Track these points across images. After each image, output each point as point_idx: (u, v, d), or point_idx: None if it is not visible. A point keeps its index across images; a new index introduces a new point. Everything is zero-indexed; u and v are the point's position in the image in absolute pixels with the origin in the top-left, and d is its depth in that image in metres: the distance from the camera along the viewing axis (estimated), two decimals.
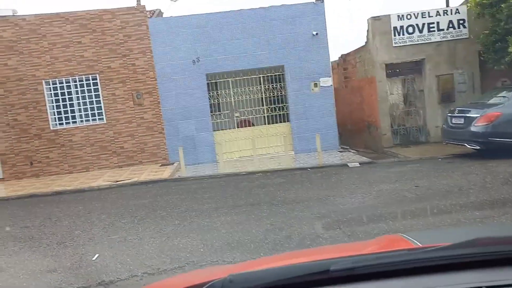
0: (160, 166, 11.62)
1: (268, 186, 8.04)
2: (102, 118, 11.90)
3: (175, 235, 5.45)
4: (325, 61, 12.38)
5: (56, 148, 11.80)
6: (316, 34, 12.17)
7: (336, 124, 12.56)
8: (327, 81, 12.38)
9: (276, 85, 12.53)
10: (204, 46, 12.02)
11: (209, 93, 12.30)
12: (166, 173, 10.41)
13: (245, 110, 12.58)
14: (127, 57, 11.84)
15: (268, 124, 12.65)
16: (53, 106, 11.78)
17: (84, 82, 11.80)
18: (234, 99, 12.48)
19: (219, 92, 12.45)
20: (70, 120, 11.84)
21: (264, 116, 12.65)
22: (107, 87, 11.83)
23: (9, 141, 11.66)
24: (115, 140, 11.94)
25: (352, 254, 1.39)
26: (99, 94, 11.85)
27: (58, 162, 11.83)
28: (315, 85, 12.34)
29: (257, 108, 12.70)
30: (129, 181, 9.77)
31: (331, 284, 1.12)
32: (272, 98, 12.63)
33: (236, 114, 12.59)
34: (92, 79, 11.81)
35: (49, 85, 11.74)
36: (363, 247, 1.82)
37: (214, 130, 12.36)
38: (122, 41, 11.81)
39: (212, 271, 1.68)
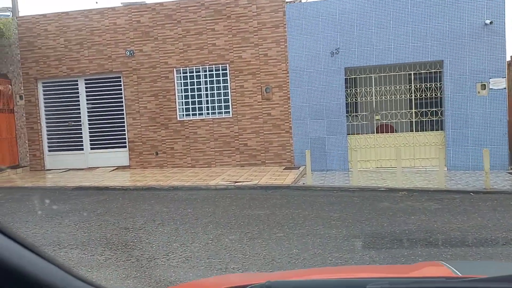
0: (284, 169, 10.36)
1: (418, 213, 6.14)
2: (229, 112, 11.09)
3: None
4: (499, 57, 9.79)
5: (181, 140, 11.34)
6: (490, 23, 9.66)
7: (507, 138, 9.87)
8: (499, 83, 9.78)
9: (430, 84, 10.33)
10: (345, 36, 10.40)
11: (347, 90, 10.65)
12: (289, 178, 9.09)
13: (387, 112, 10.63)
14: (259, 47, 10.82)
15: (415, 131, 10.51)
16: (181, 96, 11.33)
17: (214, 72, 11.10)
18: (375, 98, 10.62)
19: (358, 89, 10.71)
20: (197, 112, 11.26)
21: (411, 121, 10.55)
22: (236, 78, 10.97)
23: (137, 129, 11.54)
24: (239, 137, 11.03)
25: (389, 276, 1.45)
26: (227, 85, 11.05)
27: (181, 154, 11.35)
28: (483, 87, 9.83)
29: (402, 111, 10.65)
30: (248, 183, 8.67)
31: None
32: (423, 100, 10.46)
33: (377, 117, 10.71)
34: (222, 69, 11.05)
35: (180, 73, 11.31)
36: (402, 270, 1.80)
37: (349, 134, 10.67)
38: (256, 28, 10.81)
39: (249, 277, 1.76)
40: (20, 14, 13.18)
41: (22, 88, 11.85)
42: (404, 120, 10.62)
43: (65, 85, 11.85)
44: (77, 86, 11.84)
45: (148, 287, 3.76)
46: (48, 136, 11.98)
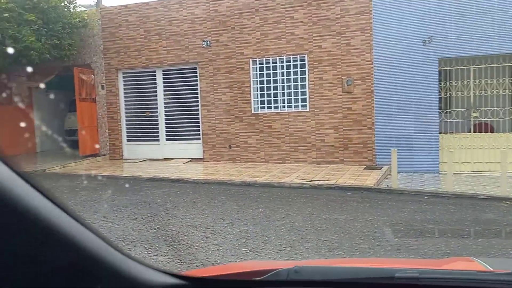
0: (364, 168, 9.52)
1: None
2: (305, 105, 10.44)
3: None
4: None
5: (255, 134, 10.90)
6: None
7: None
8: None
9: None
10: (439, 22, 9.27)
11: (440, 83, 9.52)
12: (370, 179, 8.26)
13: (487, 109, 9.35)
14: (341, 35, 10.02)
15: None
16: (257, 87, 10.89)
17: (291, 63, 10.51)
18: (473, 93, 9.38)
19: (453, 83, 9.53)
20: (272, 105, 10.75)
21: None
22: (314, 70, 10.28)
23: (212, 121, 11.31)
24: (316, 132, 10.35)
25: (418, 267, 1.40)
26: (305, 77, 10.40)
27: (255, 149, 10.93)
28: None
29: (506, 108, 9.31)
30: (325, 182, 8.00)
31: None
32: None
33: (475, 114, 9.46)
34: (300, 60, 10.42)
35: (256, 64, 10.85)
36: (432, 263, 1.79)
37: (440, 132, 9.55)
38: (339, 15, 10.03)
39: (276, 263, 1.89)
40: (104, 5, 13.51)
41: (104, 78, 12.12)
42: (507, 119, 9.28)
43: (143, 75, 11.94)
44: (155, 77, 11.86)
45: None
46: (127, 126, 12.17)
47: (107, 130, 12.15)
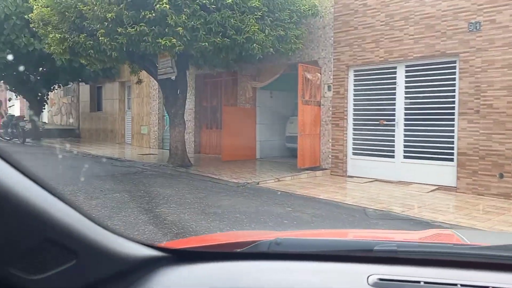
0: None
1: None
2: None
3: None
4: None
5: None
6: None
7: None
8: None
9: None
10: None
11: None
12: None
13: None
14: None
15: None
16: None
17: None
18: None
19: None
20: None
21: None
22: None
23: (474, 137, 7.93)
24: None
25: (398, 240, 1.53)
26: None
27: None
28: None
29: None
30: None
31: (372, 263, 1.14)
32: None
33: None
34: None
35: None
36: (411, 236, 1.82)
37: None
38: None
39: (258, 234, 1.82)
40: None
41: (332, 77, 10.09)
42: None
43: (380, 73, 9.40)
44: (394, 75, 9.18)
45: None
46: (354, 136, 9.84)
47: (330, 140, 10.09)
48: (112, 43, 8.63)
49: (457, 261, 1.12)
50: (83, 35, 9.14)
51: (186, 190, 7.47)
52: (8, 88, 17.05)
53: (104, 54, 9.41)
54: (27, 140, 16.03)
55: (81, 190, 7.15)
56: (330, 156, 10.10)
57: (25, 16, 12.07)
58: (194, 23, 8.09)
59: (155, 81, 12.71)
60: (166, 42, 8.03)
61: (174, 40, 8.03)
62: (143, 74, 12.85)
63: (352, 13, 9.70)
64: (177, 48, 8.13)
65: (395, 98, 9.17)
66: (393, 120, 9.20)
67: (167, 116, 15.27)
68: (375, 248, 1.12)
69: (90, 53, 9.37)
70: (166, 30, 8.05)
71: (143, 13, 8.02)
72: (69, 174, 8.75)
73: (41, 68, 16.62)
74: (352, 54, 9.70)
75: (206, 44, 8.26)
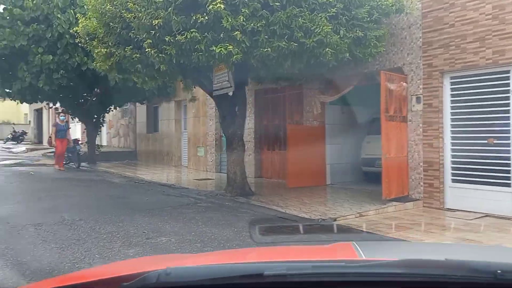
0: None
1: None
2: None
3: None
4: None
5: None
6: None
7: None
8: None
9: None
10: None
11: None
12: None
13: None
14: None
15: None
16: None
17: None
18: None
19: None
20: None
21: None
22: None
23: None
24: None
25: (290, 259, 1.57)
26: None
27: None
28: None
29: None
30: None
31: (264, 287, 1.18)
32: None
33: None
34: None
35: None
36: (308, 251, 1.86)
37: None
38: None
39: (145, 262, 1.83)
40: None
41: (421, 86, 8.25)
42: None
43: (486, 79, 7.45)
44: (507, 81, 7.21)
45: None
46: (453, 159, 7.88)
47: (421, 164, 8.19)
48: (160, 55, 7.43)
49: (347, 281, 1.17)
50: (129, 47, 8.05)
51: (247, 232, 5.95)
52: (65, 110, 16.68)
53: (153, 69, 8.27)
54: (82, 164, 15.40)
55: (120, 232, 5.86)
56: (421, 183, 8.19)
57: (71, 31, 11.40)
58: (254, 25, 6.68)
59: (211, 100, 11.50)
60: (221, 50, 6.67)
61: (230, 47, 6.65)
62: (198, 92, 11.70)
63: (447, 7, 7.86)
64: (235, 56, 6.74)
65: (508, 110, 7.18)
66: (507, 138, 7.20)
67: (225, 136, 14.10)
68: (265, 273, 1.15)
69: (137, 68, 8.26)
70: (221, 35, 6.70)
71: (194, 17, 6.74)
72: (113, 208, 7.57)
73: (95, 89, 16.07)
74: (448, 57, 7.83)
75: (269, 50, 6.80)
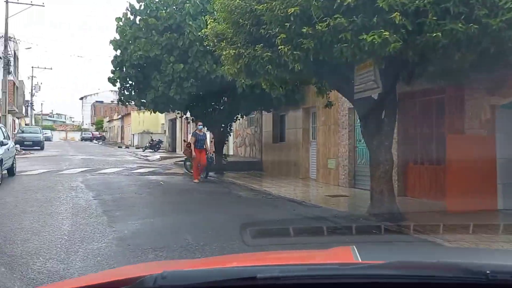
0: None
1: None
2: None
3: None
4: None
5: None
6: None
7: None
8: None
9: None
10: None
11: None
12: None
13: None
14: None
15: None
16: None
17: None
18: None
19: None
20: None
21: None
22: None
23: None
24: None
25: (284, 263, 1.59)
26: None
27: None
28: None
29: None
30: None
31: None
32: None
33: None
34: None
35: None
36: (305, 256, 1.90)
37: None
38: None
39: (146, 267, 1.83)
40: None
41: None
42: None
43: None
44: None
45: None
46: None
47: None
48: (295, 52, 6.29)
49: (342, 283, 1.19)
50: (259, 46, 7.08)
51: None
52: (194, 119, 16.70)
53: (285, 70, 7.15)
54: (210, 174, 15.09)
55: None
56: None
57: (199, 33, 10.98)
58: (419, 3, 5.12)
59: (344, 106, 10.05)
60: (374, 38, 5.23)
61: (386, 34, 5.18)
62: (332, 96, 10.34)
63: None
64: (392, 45, 5.25)
65: None
66: None
67: (360, 147, 12.46)
68: (258, 275, 1.17)
69: (268, 69, 7.22)
70: (374, 19, 5.27)
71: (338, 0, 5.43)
72: (242, 232, 6.57)
73: (223, 97, 15.74)
74: None
75: (439, 35, 5.15)
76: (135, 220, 7.24)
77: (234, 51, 7.66)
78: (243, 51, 7.55)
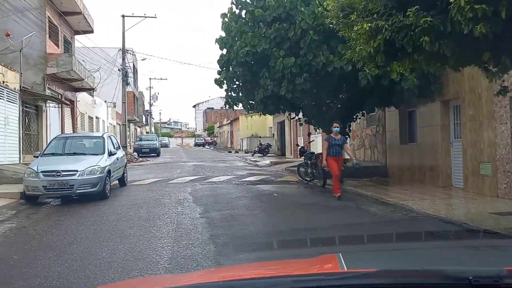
0: None
1: None
2: None
3: None
4: None
5: None
6: None
7: None
8: None
9: None
10: None
11: None
12: None
13: None
14: None
15: None
16: None
17: None
18: None
19: None
20: None
21: None
22: None
23: None
24: None
25: (272, 275, 1.61)
26: None
27: None
28: None
29: None
30: None
31: None
32: None
33: None
34: None
35: None
36: (292, 265, 1.88)
37: None
38: None
39: (147, 281, 2.04)
40: None
41: None
42: None
43: None
44: None
45: None
46: None
47: None
48: (477, 6, 4.09)
49: None
50: (412, 10, 4.98)
51: None
52: (307, 120, 14.86)
53: (452, 40, 4.94)
54: (328, 182, 13.10)
55: None
56: None
57: (315, 10, 9.06)
58: None
59: (502, 95, 7.33)
60: None
61: None
62: (476, 83, 7.67)
63: None
64: None
65: None
66: None
67: None
68: None
69: (424, 42, 5.06)
70: None
71: None
72: None
73: (341, 95, 13.66)
74: None
75: None
76: (248, 253, 5.58)
77: (369, 24, 5.64)
78: (383, 22, 5.50)
